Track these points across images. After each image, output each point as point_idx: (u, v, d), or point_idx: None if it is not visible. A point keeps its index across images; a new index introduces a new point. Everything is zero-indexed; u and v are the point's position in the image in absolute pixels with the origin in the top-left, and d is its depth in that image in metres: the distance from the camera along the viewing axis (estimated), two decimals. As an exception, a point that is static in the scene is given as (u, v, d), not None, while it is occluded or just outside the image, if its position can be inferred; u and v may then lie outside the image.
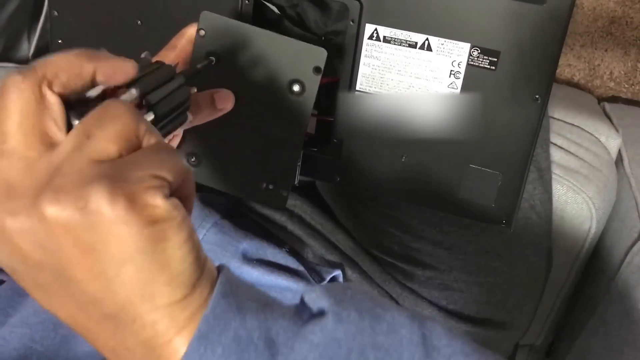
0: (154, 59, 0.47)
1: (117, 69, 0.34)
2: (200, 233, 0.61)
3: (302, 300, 0.34)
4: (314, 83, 0.50)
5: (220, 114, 0.49)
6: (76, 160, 0.28)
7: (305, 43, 0.50)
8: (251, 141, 0.53)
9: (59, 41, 0.68)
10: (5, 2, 0.86)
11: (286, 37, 0.50)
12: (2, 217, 0.28)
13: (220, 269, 0.33)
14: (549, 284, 0.75)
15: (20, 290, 0.36)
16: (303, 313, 0.33)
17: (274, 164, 0.53)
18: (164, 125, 0.38)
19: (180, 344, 0.29)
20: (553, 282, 0.78)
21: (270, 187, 0.53)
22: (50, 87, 0.31)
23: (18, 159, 0.29)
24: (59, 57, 0.32)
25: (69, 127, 0.31)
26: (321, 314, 0.32)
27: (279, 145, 0.52)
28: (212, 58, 0.51)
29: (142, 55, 0.41)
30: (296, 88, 0.50)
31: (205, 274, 0.31)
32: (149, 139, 0.31)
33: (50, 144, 0.29)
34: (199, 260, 0.31)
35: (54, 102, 0.31)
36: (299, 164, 0.59)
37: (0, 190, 0.28)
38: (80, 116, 0.31)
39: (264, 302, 0.32)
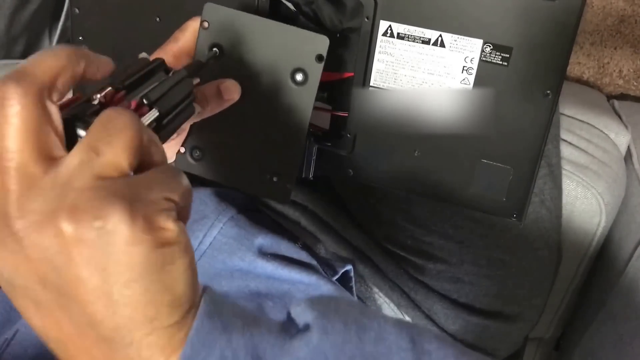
0: (152, 56, 0.47)
1: (100, 67, 0.33)
2: (216, 227, 0.62)
3: (288, 315, 0.34)
4: (316, 71, 0.50)
5: (227, 104, 0.49)
6: (86, 177, 0.28)
7: (307, 31, 0.49)
8: (255, 133, 0.53)
9: (80, 38, 0.69)
10: (26, 1, 0.88)
11: (288, 26, 0.50)
12: (17, 230, 0.27)
13: (204, 289, 0.32)
14: (558, 277, 0.76)
15: None
16: (290, 328, 0.33)
17: (278, 155, 0.53)
18: (170, 120, 0.38)
19: None
20: (562, 276, 0.79)
21: (275, 179, 0.53)
22: (50, 97, 0.29)
23: (24, 176, 0.28)
24: (51, 58, 0.30)
25: (68, 136, 0.30)
26: (306, 328, 0.32)
27: (283, 136, 0.52)
28: (216, 50, 0.51)
29: (140, 56, 0.41)
30: (299, 77, 0.50)
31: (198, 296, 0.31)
32: (156, 152, 0.31)
33: (52, 158, 0.28)
34: (197, 284, 0.31)
35: (54, 113, 0.29)
36: (314, 157, 0.60)
37: (11, 206, 0.27)
38: (85, 126, 0.30)
39: (250, 319, 0.32)
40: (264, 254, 0.61)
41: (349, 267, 0.64)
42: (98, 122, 0.29)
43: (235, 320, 0.31)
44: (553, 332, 0.91)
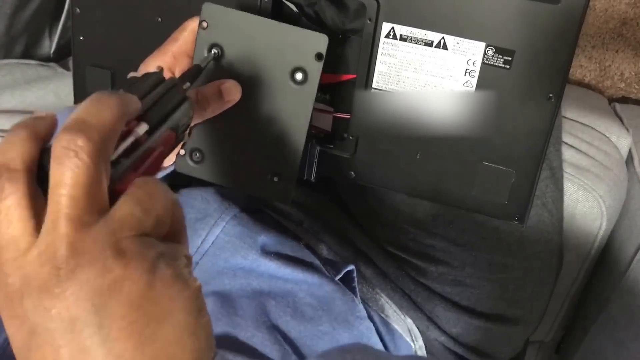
0: (152, 56, 0.47)
1: (132, 111, 0.34)
2: (219, 225, 0.62)
3: None
4: (316, 70, 0.50)
5: (228, 105, 0.49)
6: (132, 229, 0.30)
7: (306, 30, 0.49)
8: (255, 133, 0.53)
9: (81, 38, 0.69)
10: (27, 0, 0.88)
11: (287, 25, 0.50)
12: (65, 271, 0.28)
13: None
14: (559, 280, 0.76)
15: None
16: None
17: (278, 155, 0.52)
18: (172, 128, 0.38)
19: None
20: (563, 279, 0.79)
21: (275, 179, 0.52)
22: (109, 151, 0.31)
23: (77, 222, 0.29)
24: (107, 111, 0.31)
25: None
26: None
27: (283, 136, 0.52)
28: (215, 51, 0.50)
29: (129, 76, 0.41)
30: (299, 76, 0.50)
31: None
32: (179, 216, 0.33)
33: (100, 210, 0.30)
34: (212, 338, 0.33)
35: (105, 170, 0.31)
36: (316, 160, 0.60)
37: (62, 248, 0.28)
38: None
39: None
40: (266, 252, 0.61)
41: (351, 267, 0.65)
42: (147, 187, 0.31)
43: None
44: (554, 335, 0.91)
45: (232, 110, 0.50)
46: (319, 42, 0.49)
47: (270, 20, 0.50)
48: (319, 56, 0.49)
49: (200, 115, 0.47)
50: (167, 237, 0.32)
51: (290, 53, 0.50)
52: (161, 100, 0.38)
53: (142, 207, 0.30)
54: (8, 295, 0.29)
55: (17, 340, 0.29)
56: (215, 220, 0.62)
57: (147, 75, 0.39)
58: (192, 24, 0.52)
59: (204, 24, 0.51)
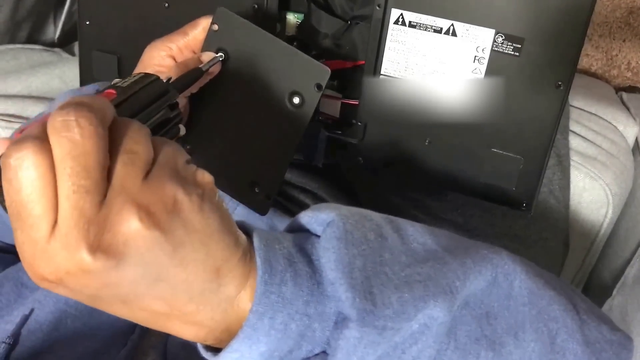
0: (159, 42, 0.49)
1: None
2: (231, 207, 0.62)
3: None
4: (313, 99, 0.50)
5: (210, 77, 0.51)
6: (137, 177, 0.31)
7: (312, 59, 0.50)
8: (244, 142, 0.54)
9: (87, 23, 0.69)
10: (32, -15, 0.88)
11: (295, 49, 0.50)
12: (104, 230, 0.29)
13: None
14: (565, 268, 0.76)
15: None
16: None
17: (263, 169, 0.53)
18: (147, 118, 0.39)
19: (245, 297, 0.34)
20: (569, 266, 0.79)
21: (257, 190, 0.53)
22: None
23: (96, 188, 0.29)
24: (98, 99, 0.32)
25: None
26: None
27: (271, 152, 0.53)
28: (222, 54, 0.51)
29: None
30: (296, 100, 0.50)
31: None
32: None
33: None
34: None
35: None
36: (324, 145, 0.60)
37: (88, 211, 0.29)
38: None
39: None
40: None
41: None
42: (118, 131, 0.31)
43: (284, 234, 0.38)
44: (557, 323, 0.91)
45: (226, 115, 0.52)
46: (322, 73, 0.50)
47: (279, 40, 0.51)
48: (318, 86, 0.50)
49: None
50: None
51: (292, 76, 0.50)
52: (139, 92, 0.38)
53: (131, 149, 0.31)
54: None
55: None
56: (227, 202, 0.62)
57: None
58: (205, 22, 0.52)
59: (215, 27, 0.52)
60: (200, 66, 0.49)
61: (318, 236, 0.39)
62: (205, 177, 0.34)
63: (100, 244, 0.29)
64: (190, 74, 0.48)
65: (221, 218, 0.34)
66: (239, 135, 0.54)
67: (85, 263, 0.28)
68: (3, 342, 0.44)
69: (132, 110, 0.37)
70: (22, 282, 0.50)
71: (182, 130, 0.43)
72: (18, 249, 0.30)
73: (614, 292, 0.77)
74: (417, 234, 0.40)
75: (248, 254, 0.35)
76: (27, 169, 0.28)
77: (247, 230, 0.38)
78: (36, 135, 0.29)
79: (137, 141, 0.31)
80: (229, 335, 0.34)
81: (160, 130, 0.41)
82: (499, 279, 0.39)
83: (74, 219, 0.28)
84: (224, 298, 0.34)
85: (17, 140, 0.29)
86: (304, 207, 0.69)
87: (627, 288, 0.75)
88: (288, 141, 0.52)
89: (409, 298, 0.35)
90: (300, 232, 0.40)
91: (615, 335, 0.40)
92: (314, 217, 0.39)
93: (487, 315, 0.38)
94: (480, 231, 0.67)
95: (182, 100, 0.48)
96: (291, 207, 0.66)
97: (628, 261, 0.77)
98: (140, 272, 0.30)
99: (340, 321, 0.36)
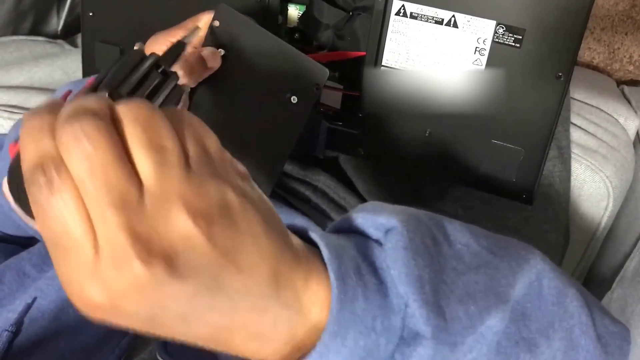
0: (160, 35, 0.48)
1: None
2: None
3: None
4: (311, 98, 0.50)
5: (210, 72, 0.51)
6: (177, 171, 0.28)
7: (311, 60, 0.50)
8: (241, 138, 0.53)
9: (90, 14, 0.69)
10: (35, -24, 0.88)
11: (294, 49, 0.51)
12: (156, 235, 0.27)
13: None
14: (564, 260, 0.76)
15: None
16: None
17: (258, 165, 0.53)
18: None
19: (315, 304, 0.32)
20: (569, 259, 0.80)
21: None
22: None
23: (127, 194, 0.27)
24: (93, 100, 0.28)
25: None
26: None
27: (266, 148, 0.53)
28: (222, 50, 0.51)
29: (135, 47, 0.40)
30: (294, 99, 0.51)
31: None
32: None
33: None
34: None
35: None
36: (325, 137, 0.60)
37: (134, 219, 0.27)
38: None
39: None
40: None
41: None
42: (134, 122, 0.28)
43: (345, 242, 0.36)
44: (557, 316, 0.91)
45: (224, 110, 0.52)
46: (320, 74, 0.50)
47: (280, 40, 0.51)
48: (316, 87, 0.50)
49: (184, 83, 0.49)
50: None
51: (291, 75, 0.51)
52: (124, 70, 0.36)
53: (158, 144, 0.28)
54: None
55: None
56: None
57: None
58: (207, 17, 0.52)
59: (216, 23, 0.52)
60: (183, 39, 0.49)
61: (375, 240, 0.37)
62: (241, 166, 0.32)
63: (150, 252, 0.26)
64: (174, 48, 0.47)
65: (269, 213, 0.31)
66: (237, 131, 0.54)
67: (139, 275, 0.26)
68: (6, 330, 0.44)
69: (118, 85, 0.34)
70: (24, 272, 0.50)
71: (186, 89, 0.43)
72: (63, 283, 0.28)
73: (614, 285, 0.77)
74: (458, 233, 0.39)
75: (299, 251, 0.33)
76: (57, 200, 0.26)
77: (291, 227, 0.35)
78: (51, 156, 0.26)
79: (160, 135, 0.28)
80: (292, 349, 0.32)
81: (154, 95, 0.38)
82: (533, 280, 0.38)
83: (113, 234, 0.26)
84: (284, 303, 0.31)
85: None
86: (304, 199, 0.69)
87: (627, 281, 0.75)
88: (285, 141, 0.52)
89: (475, 310, 0.34)
90: (352, 234, 0.38)
91: (616, 327, 0.40)
92: (370, 220, 0.37)
93: (523, 316, 0.37)
94: (479, 223, 0.67)
95: (184, 84, 0.48)
96: (290, 199, 0.67)
97: (628, 254, 0.77)
98: (198, 281, 0.28)
99: (410, 338, 0.34)
